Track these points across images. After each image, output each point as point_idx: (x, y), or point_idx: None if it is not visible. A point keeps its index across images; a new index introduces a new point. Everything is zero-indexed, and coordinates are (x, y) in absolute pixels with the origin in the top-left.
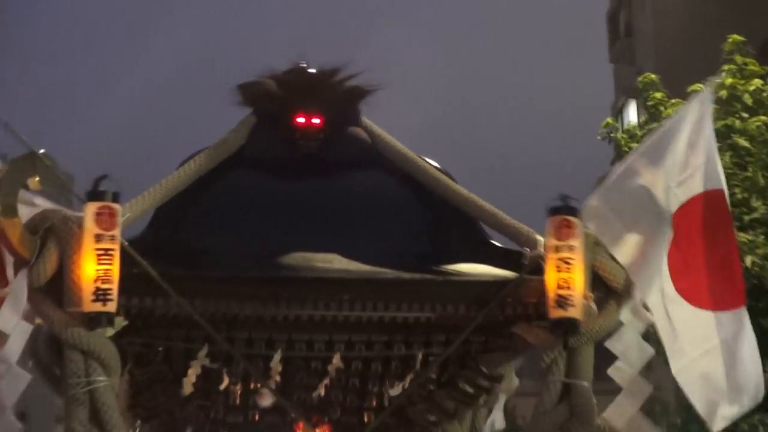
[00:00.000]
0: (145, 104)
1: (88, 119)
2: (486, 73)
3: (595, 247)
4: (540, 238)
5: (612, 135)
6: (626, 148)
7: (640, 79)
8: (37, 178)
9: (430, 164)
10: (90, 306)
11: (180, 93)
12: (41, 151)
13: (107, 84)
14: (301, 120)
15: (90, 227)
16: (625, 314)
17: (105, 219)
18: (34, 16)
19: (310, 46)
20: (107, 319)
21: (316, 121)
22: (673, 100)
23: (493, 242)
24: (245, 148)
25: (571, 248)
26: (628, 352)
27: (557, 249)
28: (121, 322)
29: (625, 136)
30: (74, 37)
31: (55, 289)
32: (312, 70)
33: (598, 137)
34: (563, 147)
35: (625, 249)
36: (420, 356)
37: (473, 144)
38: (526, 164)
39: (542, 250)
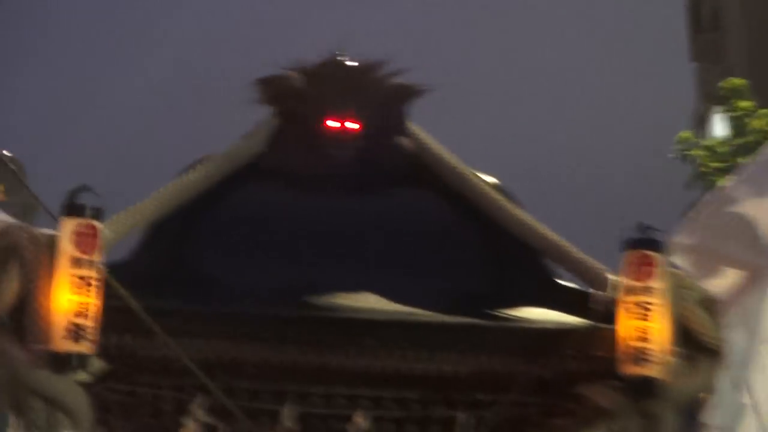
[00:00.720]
0: (139, 110)
1: (77, 129)
2: (542, 67)
3: (681, 291)
4: (613, 277)
5: (689, 152)
6: (706, 168)
7: (723, 84)
8: (2, 187)
9: (488, 183)
10: (60, 344)
11: (180, 97)
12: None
13: (100, 89)
14: (333, 124)
15: (66, 249)
16: (721, 377)
17: (85, 240)
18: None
19: (341, 40)
20: (80, 360)
21: (352, 126)
22: (763, 110)
23: (558, 280)
24: (262, 157)
25: (650, 291)
26: (727, 426)
27: (633, 291)
28: (97, 364)
29: (705, 152)
30: (69, 39)
31: (17, 322)
32: (349, 64)
33: (671, 155)
34: (633, 163)
35: (720, 291)
36: (463, 420)
37: (530, 158)
38: (595, 184)
39: (615, 292)
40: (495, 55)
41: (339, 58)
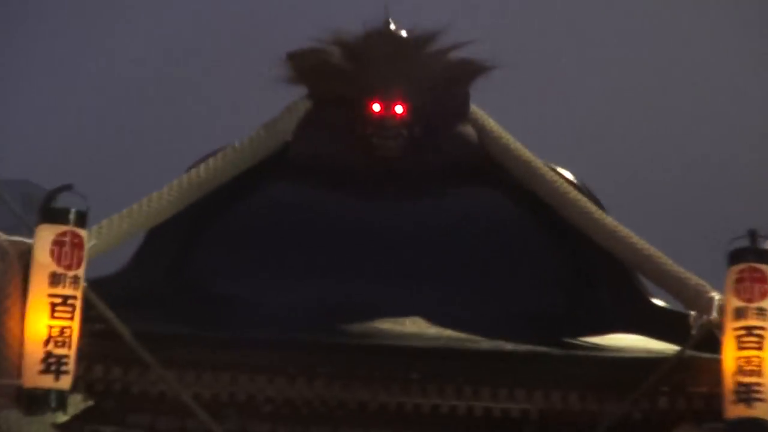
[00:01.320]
0: (135, 86)
1: (49, 111)
2: (635, 47)
3: None
4: (716, 295)
5: None
6: None
7: None
8: None
9: (568, 181)
10: (35, 380)
11: (188, 72)
12: None
13: (77, 66)
14: (377, 108)
15: (43, 262)
16: None
17: (66, 251)
18: None
19: (389, 5)
20: (58, 399)
21: (399, 109)
22: None
23: (651, 300)
24: (290, 149)
25: (762, 313)
26: None
27: (743, 314)
28: (79, 402)
29: None
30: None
31: None
32: (399, 34)
33: None
34: (742, 161)
35: None
36: None
37: (617, 152)
38: (696, 186)
39: (720, 314)
40: (578, 25)
41: (386, 27)
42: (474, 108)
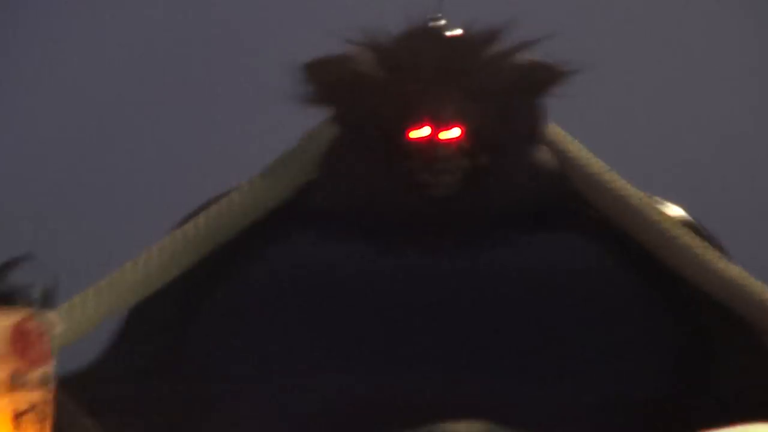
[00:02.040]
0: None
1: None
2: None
3: None
4: None
5: None
6: None
7: None
8: None
9: (675, 219)
10: None
11: (175, 89)
12: None
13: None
14: (425, 132)
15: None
16: None
17: (25, 345)
18: None
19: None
20: None
21: (455, 133)
22: None
23: None
24: (311, 192)
25: None
26: None
27: None
28: None
29: None
30: None
31: None
32: (450, 33)
33: None
34: None
35: None
36: None
37: (736, 182)
38: None
39: None
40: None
41: (433, 22)
42: (552, 126)
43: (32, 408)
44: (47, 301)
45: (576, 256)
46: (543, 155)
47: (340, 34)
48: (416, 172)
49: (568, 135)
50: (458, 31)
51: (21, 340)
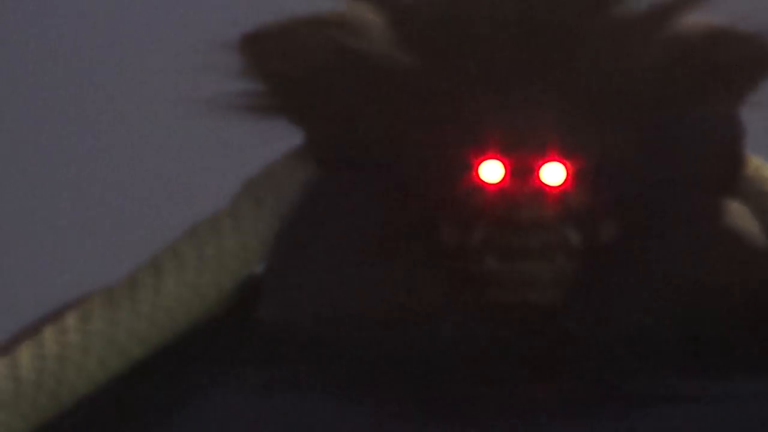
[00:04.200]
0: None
1: None
2: None
3: None
4: None
5: None
6: None
7: None
8: None
9: None
10: None
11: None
12: None
13: None
14: (488, 176)
15: None
16: None
17: None
18: None
19: None
20: None
21: (552, 178)
22: None
23: None
24: (259, 304)
25: None
26: None
27: None
28: None
29: None
30: None
31: None
32: None
33: None
34: None
35: None
36: None
37: None
38: None
39: None
40: None
41: None
42: (756, 161)
43: None
44: None
45: None
46: (740, 220)
47: None
48: (474, 257)
49: None
50: None
51: None
